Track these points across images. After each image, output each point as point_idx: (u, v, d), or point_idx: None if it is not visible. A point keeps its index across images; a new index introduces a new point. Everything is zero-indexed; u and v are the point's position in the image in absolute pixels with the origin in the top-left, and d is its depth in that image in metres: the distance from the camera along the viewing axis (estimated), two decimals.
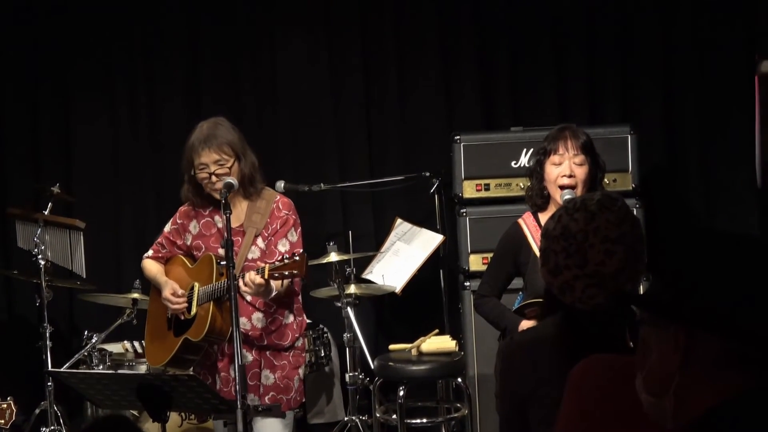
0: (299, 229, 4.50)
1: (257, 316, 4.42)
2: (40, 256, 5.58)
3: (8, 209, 5.99)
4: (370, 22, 6.59)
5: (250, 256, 4.40)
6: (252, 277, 4.16)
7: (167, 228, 4.64)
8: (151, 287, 4.73)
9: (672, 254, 1.77)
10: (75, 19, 6.49)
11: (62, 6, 6.50)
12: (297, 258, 4.13)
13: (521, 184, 5.40)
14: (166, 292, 4.48)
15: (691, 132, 6.50)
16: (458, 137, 5.76)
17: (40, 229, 5.64)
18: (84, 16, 6.49)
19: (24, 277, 5.87)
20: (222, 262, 4.13)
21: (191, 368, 4.52)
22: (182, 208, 4.59)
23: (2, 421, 4.54)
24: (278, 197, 4.50)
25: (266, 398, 4.40)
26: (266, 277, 4.14)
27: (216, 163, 4.34)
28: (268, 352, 4.45)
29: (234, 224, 4.36)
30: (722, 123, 6.46)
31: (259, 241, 4.42)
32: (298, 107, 6.58)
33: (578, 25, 6.52)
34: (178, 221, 4.58)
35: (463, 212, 5.68)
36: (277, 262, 4.17)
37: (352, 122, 6.59)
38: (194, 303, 4.44)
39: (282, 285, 4.33)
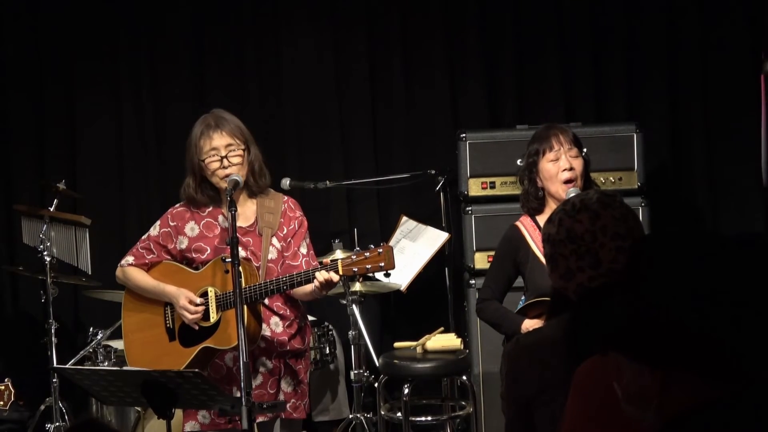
0: None
1: (275, 320, 4.28)
2: (45, 253, 5.57)
3: (14, 206, 5.99)
4: (376, 19, 6.58)
5: (269, 257, 4.26)
6: (331, 275, 4.03)
7: (155, 231, 4.38)
8: (126, 299, 4.46)
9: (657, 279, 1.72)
10: (80, 15, 6.48)
11: (67, 2, 6.50)
12: (381, 251, 3.99)
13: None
14: (183, 301, 4.21)
15: (697, 131, 6.48)
16: (464, 135, 5.76)
17: (45, 226, 5.63)
18: (89, 12, 6.48)
19: (29, 273, 5.86)
20: (228, 261, 3.96)
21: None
22: (174, 210, 4.37)
23: (1, 403, 4.51)
24: (285, 197, 4.40)
25: (287, 406, 4.29)
26: (341, 273, 4.03)
27: (227, 148, 4.21)
28: (287, 359, 4.31)
29: (243, 223, 4.25)
30: (728, 122, 6.45)
31: (275, 241, 4.28)
32: (303, 104, 6.57)
33: (584, 23, 6.51)
34: (171, 223, 4.34)
35: (468, 210, 5.69)
36: (353, 257, 4.03)
37: (357, 119, 6.58)
38: (212, 309, 4.22)
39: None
